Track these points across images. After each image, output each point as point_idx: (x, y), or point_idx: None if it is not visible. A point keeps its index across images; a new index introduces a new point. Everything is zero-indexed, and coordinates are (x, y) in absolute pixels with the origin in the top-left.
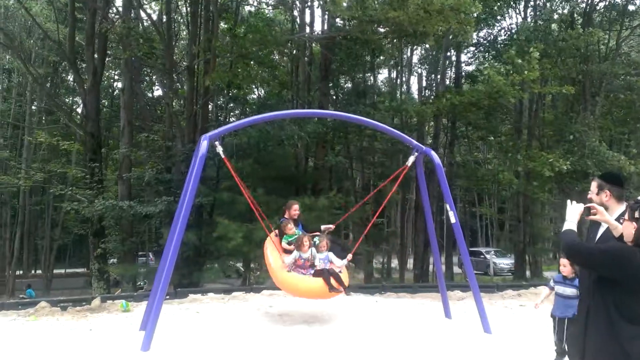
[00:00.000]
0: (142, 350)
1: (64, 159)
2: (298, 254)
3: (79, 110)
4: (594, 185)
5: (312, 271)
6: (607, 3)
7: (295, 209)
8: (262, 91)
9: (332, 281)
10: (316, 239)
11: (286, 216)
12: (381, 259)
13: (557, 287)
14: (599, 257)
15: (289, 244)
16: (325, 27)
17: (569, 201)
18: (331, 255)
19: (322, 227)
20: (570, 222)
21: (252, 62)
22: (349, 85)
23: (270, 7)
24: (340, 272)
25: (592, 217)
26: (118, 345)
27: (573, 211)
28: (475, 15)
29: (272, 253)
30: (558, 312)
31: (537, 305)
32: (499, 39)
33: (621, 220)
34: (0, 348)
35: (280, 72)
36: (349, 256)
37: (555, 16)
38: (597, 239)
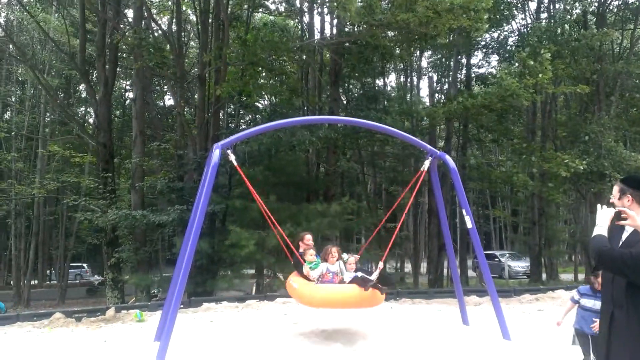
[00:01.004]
0: None
1: (77, 169)
2: (325, 267)
3: (91, 120)
4: (615, 190)
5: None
6: (620, 2)
7: (307, 239)
8: (273, 98)
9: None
10: (345, 256)
11: (301, 248)
12: (394, 264)
13: (585, 301)
14: (631, 263)
15: (310, 270)
16: (335, 32)
17: (599, 205)
18: (360, 274)
19: (346, 264)
20: (601, 227)
21: (262, 70)
22: (360, 90)
23: (281, 15)
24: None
25: (622, 222)
26: (133, 356)
27: (603, 216)
28: (485, 11)
29: (296, 279)
30: (587, 328)
31: (559, 323)
32: (510, 40)
33: None
34: None
35: (290, 78)
36: (380, 264)
37: (568, 17)
38: (620, 243)
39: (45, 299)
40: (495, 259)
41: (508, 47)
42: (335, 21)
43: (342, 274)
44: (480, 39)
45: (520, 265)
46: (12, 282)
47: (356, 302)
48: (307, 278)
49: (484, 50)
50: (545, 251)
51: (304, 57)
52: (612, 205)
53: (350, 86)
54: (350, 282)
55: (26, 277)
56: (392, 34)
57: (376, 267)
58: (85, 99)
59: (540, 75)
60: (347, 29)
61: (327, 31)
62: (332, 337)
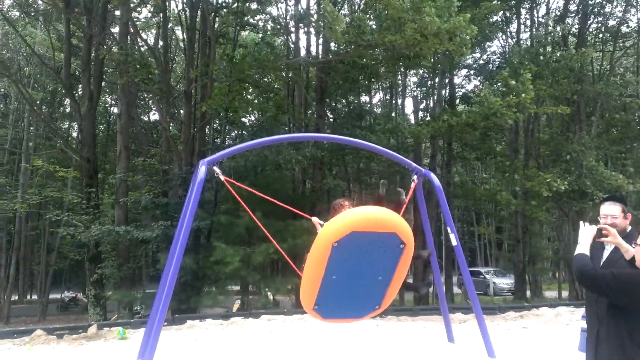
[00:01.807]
0: None
1: (60, 183)
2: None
3: (75, 135)
4: (617, 210)
5: None
6: (599, 25)
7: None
8: (259, 114)
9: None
10: None
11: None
12: None
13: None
14: (612, 283)
15: None
16: (321, 51)
17: (581, 223)
18: None
19: None
20: (583, 245)
21: (248, 86)
22: (345, 108)
23: (266, 33)
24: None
25: (604, 239)
26: None
27: (586, 234)
28: (469, 38)
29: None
30: None
31: None
32: (492, 60)
33: (633, 245)
34: None
35: (276, 95)
36: None
37: (549, 38)
38: (602, 261)
39: (25, 315)
40: (480, 276)
41: (490, 68)
42: (321, 40)
43: None
44: (463, 59)
45: (505, 282)
46: None
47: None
48: None
49: (467, 70)
50: (529, 268)
51: (290, 74)
52: (613, 225)
53: (336, 103)
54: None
55: (6, 293)
56: (379, 53)
57: None
58: (70, 113)
59: (522, 95)
60: (333, 48)
61: (314, 49)
62: (319, 354)
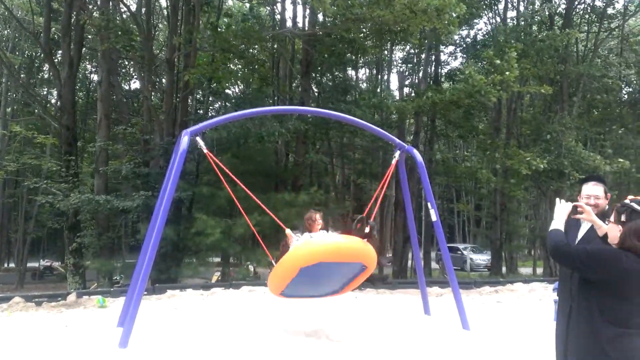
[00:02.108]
0: (120, 347)
1: (39, 150)
2: (309, 235)
3: (54, 102)
4: (601, 191)
5: None
6: (585, 5)
7: (317, 218)
8: (242, 86)
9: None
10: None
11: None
12: None
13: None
14: (585, 259)
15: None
16: (307, 23)
17: (557, 199)
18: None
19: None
20: (558, 221)
21: (233, 57)
22: (331, 82)
23: (254, 1)
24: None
25: (579, 216)
26: (95, 341)
27: (561, 210)
28: (457, 16)
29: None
30: None
31: None
32: (478, 38)
33: (607, 222)
34: None
35: (261, 67)
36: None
37: (537, 18)
38: (578, 239)
39: (2, 283)
40: (457, 252)
41: (476, 46)
42: (308, 12)
43: None
44: (450, 37)
45: (482, 259)
46: None
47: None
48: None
49: (454, 48)
50: (505, 245)
51: (276, 45)
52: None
53: (322, 77)
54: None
55: None
56: (366, 28)
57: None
58: (49, 79)
59: (507, 73)
60: (320, 20)
61: (300, 20)
62: (293, 325)
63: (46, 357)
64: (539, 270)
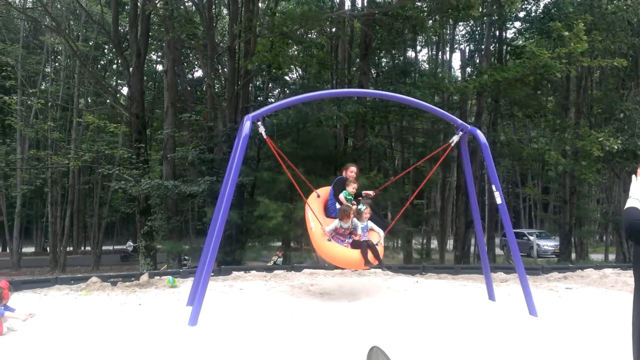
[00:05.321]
0: (190, 325)
1: (111, 138)
2: (339, 224)
3: (124, 91)
4: None
5: (351, 240)
6: None
7: (352, 170)
8: (301, 71)
9: (369, 254)
10: (361, 206)
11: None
12: (421, 240)
13: None
14: None
15: (345, 199)
16: (365, 3)
17: (634, 177)
18: (371, 224)
19: (363, 192)
20: (635, 199)
21: (291, 42)
22: (390, 63)
23: None
24: (377, 244)
25: None
26: (167, 319)
27: (638, 187)
28: None
29: (314, 219)
30: None
31: None
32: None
33: None
34: (57, 320)
35: (319, 51)
36: (384, 232)
37: None
38: None
39: (80, 265)
40: (523, 238)
41: (542, 21)
42: None
43: (354, 228)
44: (514, 11)
45: (549, 245)
46: (48, 248)
47: (355, 265)
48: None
49: (520, 23)
50: (575, 230)
51: (334, 29)
52: None
53: (380, 59)
54: (355, 246)
55: (62, 244)
56: (424, 4)
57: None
58: (118, 70)
59: (572, 44)
60: (378, 0)
61: (358, 2)
62: (355, 306)
63: (123, 333)
64: (611, 257)
